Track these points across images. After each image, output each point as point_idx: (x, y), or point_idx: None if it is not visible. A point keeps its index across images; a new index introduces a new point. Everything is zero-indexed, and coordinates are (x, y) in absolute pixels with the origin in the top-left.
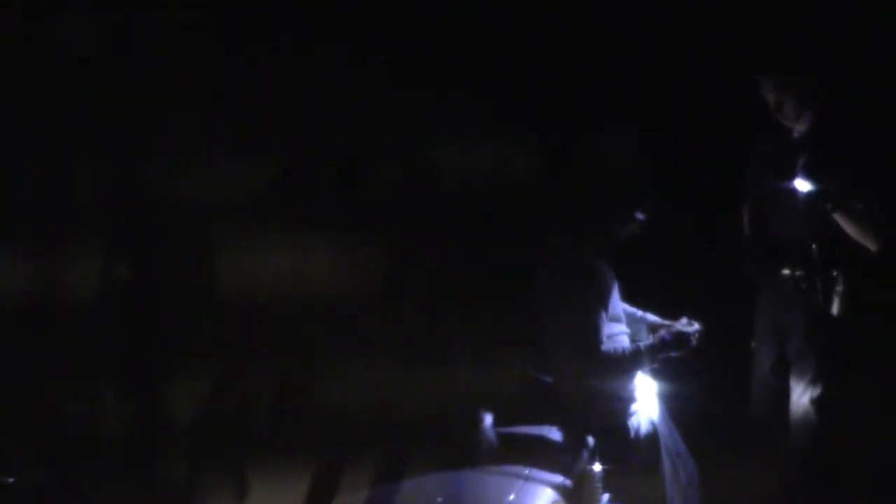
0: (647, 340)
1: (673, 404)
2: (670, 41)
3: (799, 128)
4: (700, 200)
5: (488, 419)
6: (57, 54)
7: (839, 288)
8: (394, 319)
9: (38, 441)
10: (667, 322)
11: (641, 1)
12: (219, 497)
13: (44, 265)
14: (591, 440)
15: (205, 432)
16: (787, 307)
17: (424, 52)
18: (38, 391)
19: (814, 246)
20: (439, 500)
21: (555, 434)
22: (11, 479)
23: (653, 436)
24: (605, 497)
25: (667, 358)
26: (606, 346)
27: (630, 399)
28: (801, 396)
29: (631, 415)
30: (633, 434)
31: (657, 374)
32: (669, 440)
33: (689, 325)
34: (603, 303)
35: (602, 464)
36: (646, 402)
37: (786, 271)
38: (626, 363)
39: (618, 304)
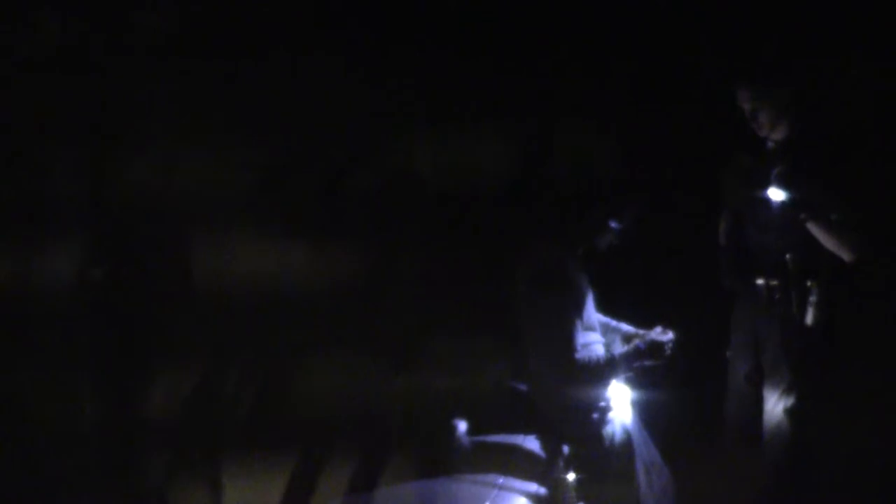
0: (621, 349)
1: (647, 413)
2: (648, 49)
3: (774, 137)
4: (676, 209)
5: (462, 427)
6: (31, 55)
7: (813, 298)
8: (371, 323)
9: (14, 442)
10: (641, 332)
11: (621, 6)
12: (195, 498)
13: (18, 266)
14: (565, 449)
15: (181, 433)
16: (762, 317)
17: (402, 55)
18: (14, 391)
19: (788, 256)
20: None
21: (529, 443)
22: None
23: (627, 444)
24: None
25: (641, 367)
26: (581, 354)
27: (604, 407)
28: (776, 406)
29: (605, 423)
30: (607, 442)
31: (631, 382)
32: (644, 449)
33: (663, 334)
34: (578, 311)
35: (576, 472)
36: (620, 411)
37: (760, 281)
38: (601, 372)
39: (593, 314)
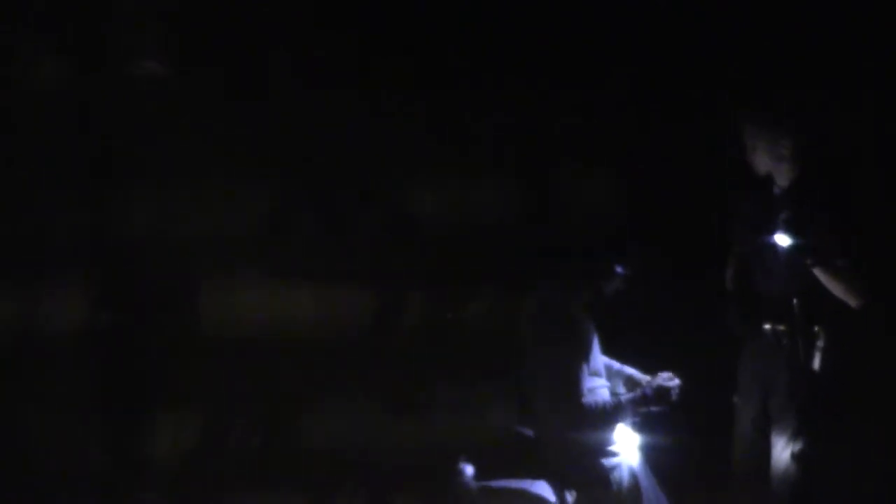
0: (628, 395)
1: (654, 457)
2: (656, 94)
3: (780, 183)
4: (682, 255)
5: (469, 471)
6: (37, 96)
7: (820, 343)
8: (378, 365)
9: (20, 477)
10: (645, 377)
11: (629, 47)
12: None
13: (25, 306)
14: (572, 494)
15: (187, 472)
16: (769, 362)
17: (407, 98)
18: (22, 429)
19: (795, 301)
20: None
21: (537, 488)
22: None
23: (635, 489)
24: None
25: (648, 412)
26: (587, 399)
27: (611, 452)
28: (783, 451)
29: (613, 468)
30: (614, 487)
31: (638, 426)
32: (651, 494)
33: (669, 380)
34: (584, 356)
35: None
36: (627, 455)
37: (767, 326)
38: (607, 416)
39: (598, 358)
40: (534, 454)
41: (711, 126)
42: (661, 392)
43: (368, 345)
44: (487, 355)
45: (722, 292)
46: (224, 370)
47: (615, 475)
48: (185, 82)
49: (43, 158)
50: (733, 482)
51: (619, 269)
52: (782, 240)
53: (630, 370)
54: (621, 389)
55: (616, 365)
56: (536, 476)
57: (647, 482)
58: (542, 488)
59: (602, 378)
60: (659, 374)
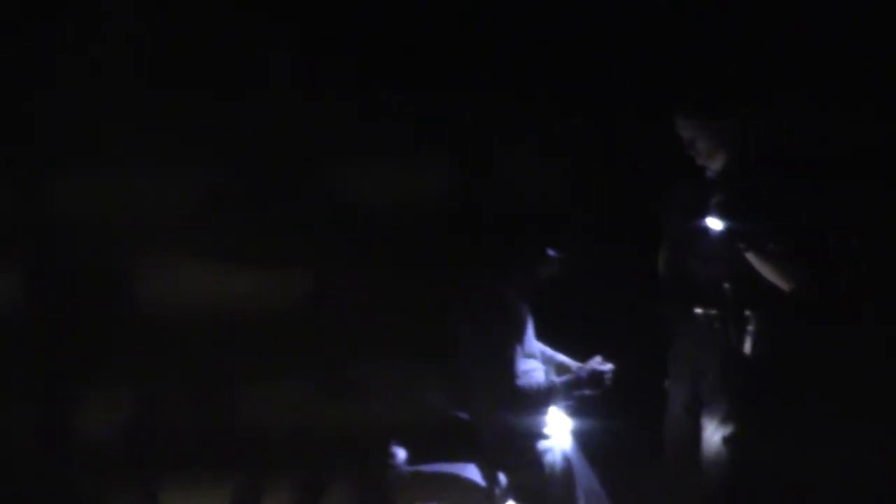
0: (562, 378)
1: (587, 441)
2: (589, 75)
3: (713, 166)
4: (614, 238)
5: (401, 455)
6: None
7: (751, 327)
8: (309, 346)
9: None
10: (576, 363)
11: (566, 29)
12: None
13: None
14: (505, 477)
15: (117, 454)
16: (700, 347)
17: (343, 76)
18: None
19: (727, 285)
20: None
21: (469, 471)
22: None
23: (567, 472)
24: None
25: (581, 395)
26: (521, 381)
27: (545, 436)
28: (714, 434)
29: (546, 452)
30: (547, 471)
31: (571, 410)
32: (584, 477)
33: (602, 364)
34: (518, 338)
35: (517, 501)
36: (560, 439)
37: (699, 310)
38: (541, 399)
39: (533, 341)
40: (468, 437)
41: (647, 107)
42: (595, 376)
43: (300, 326)
44: (421, 338)
45: (654, 276)
46: (154, 352)
47: (548, 458)
48: (114, 60)
49: None
50: (664, 465)
51: (553, 254)
52: (714, 224)
53: (562, 357)
54: (553, 376)
55: (548, 351)
56: (470, 460)
57: (579, 466)
58: (474, 472)
59: (537, 360)
60: (592, 357)
